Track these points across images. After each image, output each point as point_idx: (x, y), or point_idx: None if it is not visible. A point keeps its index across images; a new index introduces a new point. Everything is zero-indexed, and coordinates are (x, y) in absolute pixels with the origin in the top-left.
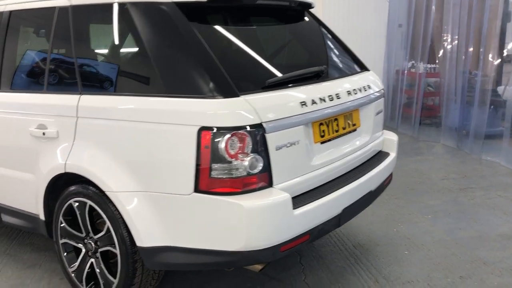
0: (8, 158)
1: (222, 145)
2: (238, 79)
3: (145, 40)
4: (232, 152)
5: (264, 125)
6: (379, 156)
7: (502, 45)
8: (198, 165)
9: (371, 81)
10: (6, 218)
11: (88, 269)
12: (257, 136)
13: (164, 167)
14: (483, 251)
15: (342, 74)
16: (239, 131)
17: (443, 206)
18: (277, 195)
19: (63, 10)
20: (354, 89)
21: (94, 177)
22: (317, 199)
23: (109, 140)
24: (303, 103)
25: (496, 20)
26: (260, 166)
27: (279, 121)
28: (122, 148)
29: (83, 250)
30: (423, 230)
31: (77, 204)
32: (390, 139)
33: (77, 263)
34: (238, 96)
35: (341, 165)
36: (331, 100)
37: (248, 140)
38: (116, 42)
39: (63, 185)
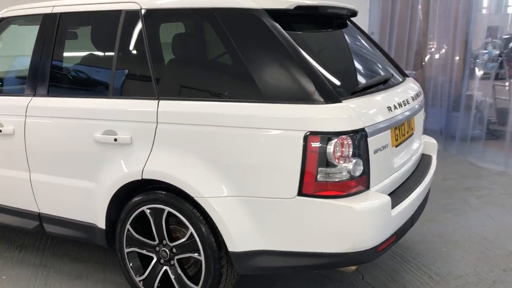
0: (62, 166)
1: (329, 149)
2: (333, 85)
3: (238, 46)
4: (338, 156)
5: (366, 129)
6: (425, 158)
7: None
8: (303, 169)
9: (418, 87)
10: (51, 229)
11: (161, 277)
12: (361, 141)
13: (264, 172)
14: None
15: (397, 81)
16: (346, 136)
17: (457, 205)
18: (381, 198)
19: (132, 13)
20: (412, 96)
21: (181, 183)
22: (403, 200)
23: (199, 146)
24: (389, 108)
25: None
26: (361, 169)
27: (376, 125)
28: (214, 154)
29: (155, 258)
30: (451, 228)
31: (151, 211)
32: (431, 142)
33: (147, 272)
34: (340, 101)
35: (408, 167)
36: (404, 106)
37: (353, 145)
38: (198, 47)
39: (128, 192)
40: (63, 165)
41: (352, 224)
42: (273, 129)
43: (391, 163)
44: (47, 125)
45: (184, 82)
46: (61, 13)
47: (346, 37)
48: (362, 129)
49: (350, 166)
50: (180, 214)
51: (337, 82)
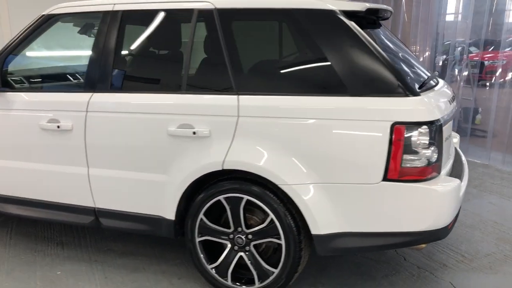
0: (127, 160)
1: (414, 138)
2: (409, 80)
3: (320, 44)
4: (420, 144)
5: (441, 120)
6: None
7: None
8: (389, 156)
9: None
10: (108, 223)
11: (234, 263)
12: (437, 130)
13: (349, 160)
14: None
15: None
16: (426, 126)
17: None
18: (454, 181)
19: (206, 12)
20: (451, 92)
21: (265, 172)
22: (462, 183)
23: (283, 137)
24: (449, 102)
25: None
26: (436, 156)
27: (445, 117)
28: (298, 144)
29: (229, 245)
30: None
31: (228, 200)
32: (455, 135)
33: (220, 259)
34: (419, 94)
35: (452, 158)
36: (452, 102)
37: (432, 133)
38: (276, 45)
39: (199, 184)
40: (129, 159)
41: (433, 204)
42: (360, 120)
43: (449, 152)
44: (112, 120)
45: (264, 78)
46: (123, 11)
47: (390, 36)
48: (438, 120)
49: (429, 153)
50: (260, 201)
51: (410, 77)
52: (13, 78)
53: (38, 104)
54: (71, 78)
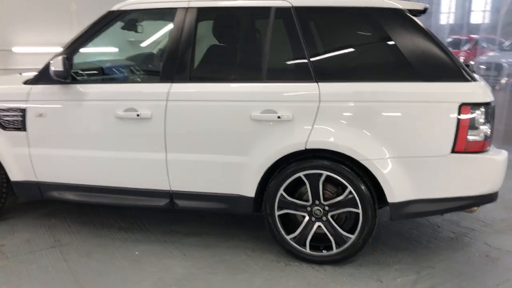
0: (208, 144)
1: (477, 116)
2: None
3: (393, 37)
4: (482, 121)
5: (493, 101)
6: None
7: None
8: (457, 132)
9: None
10: (184, 204)
11: (313, 233)
12: (491, 110)
13: (421, 136)
14: None
15: None
16: (485, 106)
17: None
18: (504, 152)
19: (284, 9)
20: None
21: (347, 150)
22: None
23: (362, 119)
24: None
25: None
26: (489, 132)
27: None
28: (375, 124)
29: (307, 217)
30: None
31: (308, 176)
32: None
33: (298, 230)
34: (477, 80)
35: None
36: None
37: (489, 112)
38: (351, 38)
39: (278, 163)
40: (210, 143)
41: (492, 171)
42: (432, 102)
43: None
44: (194, 107)
45: (342, 67)
46: (199, 7)
47: None
48: (492, 102)
49: (486, 129)
50: (340, 176)
51: (464, 65)
52: (83, 71)
53: (112, 94)
54: (143, 70)
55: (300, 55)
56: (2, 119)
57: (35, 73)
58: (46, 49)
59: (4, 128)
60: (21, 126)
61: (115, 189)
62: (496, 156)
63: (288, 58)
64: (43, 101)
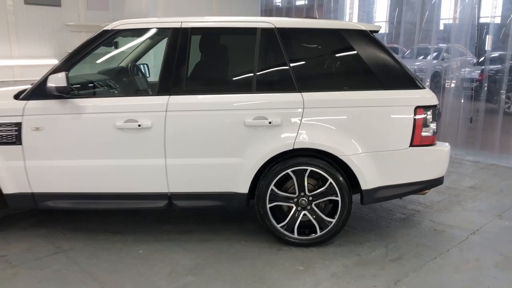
0: (205, 149)
1: (428, 116)
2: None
3: (361, 53)
4: (431, 120)
5: (437, 105)
6: None
7: None
8: (413, 129)
9: None
10: (182, 203)
11: (299, 220)
12: (437, 111)
13: (386, 134)
14: None
15: None
16: (434, 107)
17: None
18: (446, 144)
19: (268, 30)
20: None
21: (329, 148)
22: None
23: (339, 121)
24: None
25: None
26: (436, 129)
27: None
28: (350, 125)
29: (294, 207)
30: None
31: (294, 172)
32: None
33: (287, 219)
34: (426, 88)
35: None
36: None
37: (436, 113)
38: (324, 55)
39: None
40: (207, 148)
41: (442, 160)
42: (393, 106)
43: None
44: (191, 116)
45: (320, 79)
46: (192, 28)
47: None
48: (437, 104)
49: (434, 126)
50: (322, 170)
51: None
52: (79, 86)
53: (112, 107)
54: (137, 84)
55: (284, 69)
56: None
57: (23, 87)
58: None
59: None
60: (15, 140)
61: (115, 194)
62: (443, 147)
63: (274, 71)
64: (39, 115)
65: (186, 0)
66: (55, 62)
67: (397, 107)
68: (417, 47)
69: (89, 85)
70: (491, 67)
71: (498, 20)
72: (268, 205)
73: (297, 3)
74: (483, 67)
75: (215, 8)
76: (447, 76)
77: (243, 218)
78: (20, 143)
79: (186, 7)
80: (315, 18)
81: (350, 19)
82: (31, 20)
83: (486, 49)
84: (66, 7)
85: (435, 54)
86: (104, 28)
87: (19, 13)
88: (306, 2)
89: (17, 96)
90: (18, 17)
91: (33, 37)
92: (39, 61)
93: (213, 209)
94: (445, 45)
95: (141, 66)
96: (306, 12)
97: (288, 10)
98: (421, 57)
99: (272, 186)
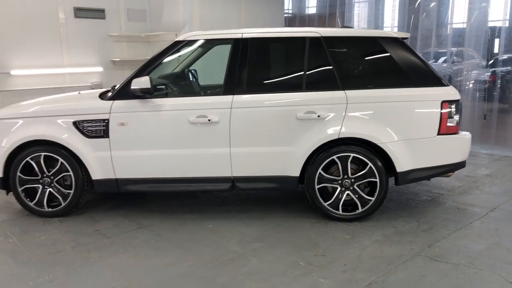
0: (263, 139)
1: (452, 109)
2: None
3: (396, 57)
4: (454, 112)
5: (460, 99)
6: None
7: None
8: (440, 120)
9: None
10: (243, 186)
11: (343, 199)
12: (460, 104)
13: (418, 124)
14: None
15: None
16: (457, 102)
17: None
18: (467, 133)
19: (315, 39)
20: None
21: (369, 136)
22: None
23: (378, 113)
24: None
25: None
26: (459, 119)
27: None
28: (386, 117)
29: (338, 188)
30: None
31: (339, 158)
32: None
33: (333, 198)
34: (450, 85)
35: None
36: None
37: (459, 106)
38: (364, 60)
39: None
40: (265, 138)
41: (464, 145)
42: (423, 101)
43: None
44: (252, 112)
45: (360, 79)
46: (251, 38)
47: None
48: (460, 99)
49: (457, 117)
50: (363, 156)
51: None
52: (159, 88)
53: (186, 105)
54: (206, 86)
55: (330, 71)
56: (86, 129)
57: (105, 90)
58: (41, 71)
59: (88, 136)
60: (103, 134)
61: (186, 179)
62: (465, 135)
63: (321, 73)
64: (124, 113)
65: (218, 11)
66: (100, 69)
67: (426, 101)
68: (424, 51)
69: (161, 86)
70: (502, 69)
71: (507, 24)
72: (317, 186)
73: (311, 11)
74: (493, 69)
75: (243, 18)
76: (458, 78)
77: (290, 200)
78: (107, 136)
79: (218, 18)
80: (351, 27)
81: (359, 26)
82: (79, 32)
83: (496, 51)
84: (109, 19)
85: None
86: (176, 39)
87: (69, 26)
88: (317, 11)
89: (100, 97)
90: (69, 29)
91: (81, 47)
92: (86, 69)
93: (270, 190)
94: (455, 48)
95: (193, 71)
96: (318, 20)
97: (301, 19)
98: (431, 61)
99: (320, 170)
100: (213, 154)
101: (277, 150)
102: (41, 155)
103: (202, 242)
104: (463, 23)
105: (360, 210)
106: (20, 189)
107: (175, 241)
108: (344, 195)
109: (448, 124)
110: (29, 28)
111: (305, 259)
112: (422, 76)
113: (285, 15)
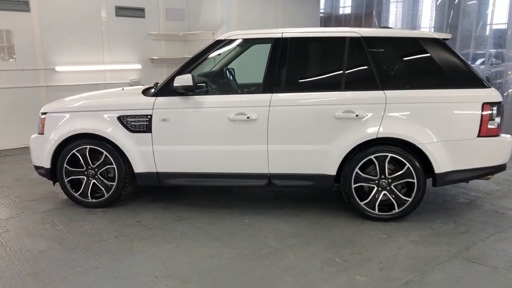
0: (301, 137)
1: (494, 111)
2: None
3: (436, 58)
4: (495, 115)
5: (502, 102)
6: None
7: None
8: (481, 122)
9: None
10: (279, 183)
11: (380, 199)
12: (502, 107)
13: (458, 125)
14: None
15: None
16: (499, 104)
17: None
18: (509, 136)
19: (356, 39)
20: None
21: (407, 137)
22: None
23: (417, 114)
24: None
25: None
26: (500, 122)
27: None
28: (425, 118)
29: (375, 188)
30: None
31: (376, 158)
32: None
33: (369, 197)
34: (491, 87)
35: None
36: None
37: (500, 108)
38: (405, 60)
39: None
40: (303, 136)
41: (506, 148)
42: (463, 102)
43: None
44: (290, 110)
45: (399, 79)
46: (290, 38)
47: None
48: (502, 101)
49: (499, 120)
50: (400, 156)
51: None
52: (199, 85)
53: (226, 103)
54: (244, 85)
55: (369, 71)
56: (129, 124)
57: (147, 86)
58: (83, 68)
59: (131, 131)
60: (146, 128)
61: (224, 174)
62: (506, 138)
63: (360, 72)
64: (166, 109)
65: (255, 11)
66: (139, 67)
67: (467, 103)
68: (462, 52)
69: (201, 84)
70: None
71: None
72: (353, 186)
73: (346, 11)
74: None
75: (280, 18)
76: (498, 80)
77: (325, 199)
78: (150, 131)
79: (255, 17)
80: (390, 27)
81: (396, 26)
82: (120, 30)
83: None
84: (149, 18)
85: (483, 59)
86: (218, 38)
87: (110, 24)
88: (353, 11)
89: (143, 93)
90: (110, 27)
91: (121, 45)
92: (126, 66)
93: (306, 188)
94: (494, 50)
95: (231, 69)
96: (354, 20)
97: (337, 19)
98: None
99: (357, 169)
100: (251, 151)
101: (314, 149)
102: (86, 147)
103: (240, 236)
104: (504, 24)
105: (396, 210)
106: (66, 180)
107: (213, 234)
108: (381, 195)
109: (489, 126)
110: (73, 26)
111: (341, 257)
112: (463, 77)
113: (321, 15)
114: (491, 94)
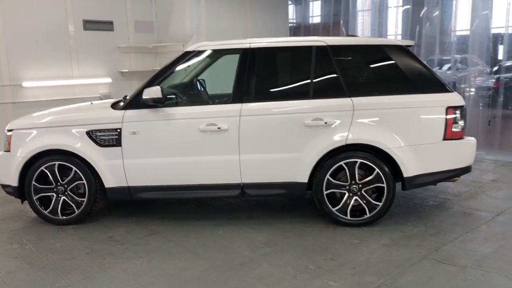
0: (271, 146)
1: (457, 114)
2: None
3: (400, 64)
4: (459, 118)
5: (464, 105)
6: None
7: None
8: (446, 125)
9: None
10: (253, 192)
11: (352, 205)
12: (465, 110)
13: (423, 130)
14: None
15: None
16: (462, 107)
17: None
18: (472, 139)
19: (322, 48)
20: None
21: (375, 142)
22: None
23: (383, 120)
24: None
25: None
26: (464, 125)
27: None
28: (392, 124)
29: (346, 193)
30: None
31: (346, 164)
32: None
33: (341, 203)
34: (454, 91)
35: None
36: None
37: (463, 112)
38: (368, 66)
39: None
40: (274, 145)
41: (470, 150)
42: (428, 107)
43: None
44: (260, 119)
45: (366, 86)
46: (258, 48)
47: None
48: (464, 105)
49: (462, 123)
50: (370, 162)
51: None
52: (169, 97)
53: (196, 114)
54: (214, 95)
55: (336, 79)
56: (99, 138)
57: (116, 100)
58: (51, 83)
59: (101, 145)
60: (116, 142)
61: (197, 186)
62: (470, 140)
63: (328, 81)
64: (136, 122)
65: (224, 22)
66: (109, 80)
67: (432, 107)
68: (428, 59)
69: (171, 96)
70: (506, 75)
71: (510, 30)
72: (325, 192)
73: (314, 21)
74: (498, 75)
75: (249, 28)
76: (463, 84)
77: (298, 207)
78: (120, 145)
79: (225, 28)
80: (357, 36)
81: (363, 34)
82: (89, 44)
83: (500, 58)
84: (117, 31)
85: (449, 65)
86: (186, 50)
87: (78, 38)
88: (321, 20)
89: (112, 107)
90: (78, 41)
91: (90, 58)
92: (95, 80)
93: (279, 196)
94: (459, 56)
95: (201, 80)
96: (322, 29)
97: (306, 28)
98: (436, 68)
99: (328, 176)
100: (223, 161)
101: (286, 157)
102: (55, 164)
103: (213, 248)
104: (467, 30)
105: (368, 215)
106: (35, 198)
107: (187, 247)
108: (352, 201)
109: (453, 129)
110: (40, 41)
111: (315, 263)
112: (426, 82)
113: (290, 24)
114: (454, 98)
